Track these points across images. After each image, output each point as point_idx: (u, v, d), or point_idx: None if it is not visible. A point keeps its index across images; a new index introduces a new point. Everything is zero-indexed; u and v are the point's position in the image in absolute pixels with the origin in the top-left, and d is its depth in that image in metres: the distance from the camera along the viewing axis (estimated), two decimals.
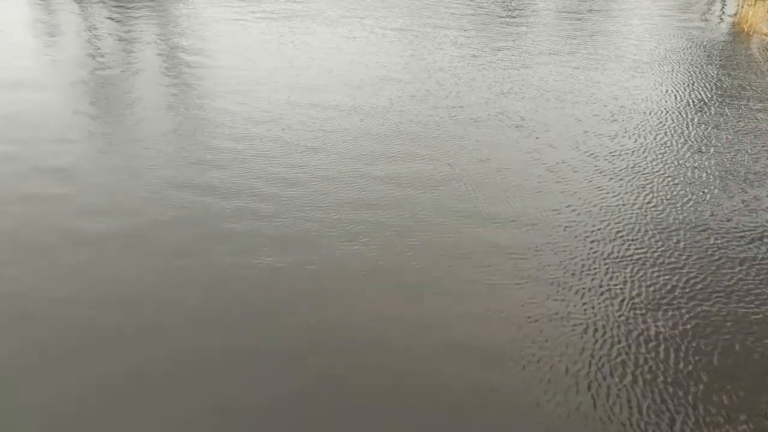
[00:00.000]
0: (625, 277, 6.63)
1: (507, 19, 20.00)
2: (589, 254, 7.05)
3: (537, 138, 10.28)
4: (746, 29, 20.54)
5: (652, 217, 7.85)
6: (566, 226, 7.63)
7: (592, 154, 9.72)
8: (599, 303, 6.23)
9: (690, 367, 5.49)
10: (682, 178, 8.99)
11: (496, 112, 11.43)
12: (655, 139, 10.44)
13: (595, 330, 5.87)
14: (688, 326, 5.94)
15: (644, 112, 11.73)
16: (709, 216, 7.96)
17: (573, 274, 6.70)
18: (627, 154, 9.78)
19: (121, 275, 6.42)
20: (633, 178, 8.91)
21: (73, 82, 12.31)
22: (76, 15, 18.38)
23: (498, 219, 7.75)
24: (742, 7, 21.34)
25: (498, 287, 6.44)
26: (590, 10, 21.97)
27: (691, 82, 13.81)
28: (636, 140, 10.35)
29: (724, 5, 24.29)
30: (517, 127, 10.76)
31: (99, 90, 11.93)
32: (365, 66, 13.94)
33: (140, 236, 7.10)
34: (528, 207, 8.01)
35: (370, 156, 9.33)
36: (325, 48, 15.60)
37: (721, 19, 22.00)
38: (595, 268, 6.78)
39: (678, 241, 7.35)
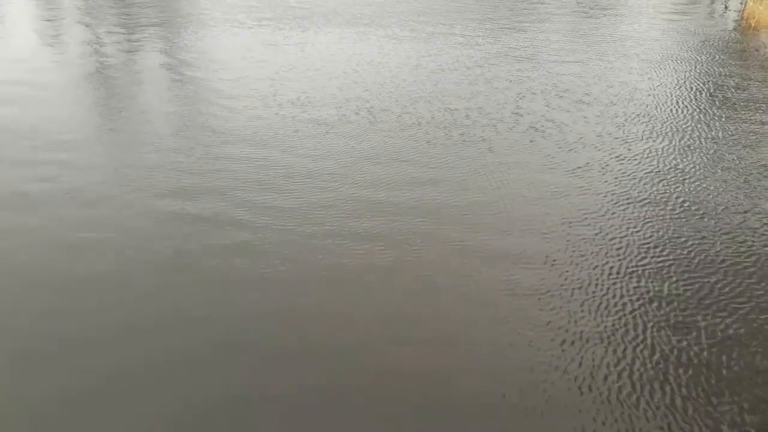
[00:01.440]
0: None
1: (513, 21, 19.64)
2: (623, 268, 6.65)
3: (556, 143, 9.89)
4: (753, 25, 20.23)
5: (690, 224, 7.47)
6: (587, 238, 7.22)
7: (617, 156, 9.33)
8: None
9: (722, 385, 5.08)
10: (709, 181, 8.59)
11: (511, 113, 11.03)
12: (676, 141, 10.05)
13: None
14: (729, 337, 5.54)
15: (659, 114, 11.34)
16: (740, 223, 7.56)
17: (600, 286, 6.29)
18: (651, 156, 9.39)
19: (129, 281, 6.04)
20: (656, 179, 8.52)
21: (74, 92, 11.89)
22: (83, 23, 17.97)
23: (519, 230, 7.33)
24: (748, 2, 21.02)
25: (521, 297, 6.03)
26: (595, 9, 21.63)
27: (704, 81, 13.43)
28: (658, 142, 9.96)
29: (728, 1, 23.99)
30: (536, 130, 10.36)
31: (99, 95, 11.53)
32: (384, 67, 13.55)
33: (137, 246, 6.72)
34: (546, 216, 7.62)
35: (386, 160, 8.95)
36: (339, 57, 15.20)
37: (726, 15, 21.68)
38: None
39: (716, 249, 6.96)
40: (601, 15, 21.15)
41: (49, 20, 18.90)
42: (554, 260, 6.71)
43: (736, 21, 20.80)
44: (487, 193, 8.10)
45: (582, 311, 5.91)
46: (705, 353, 5.44)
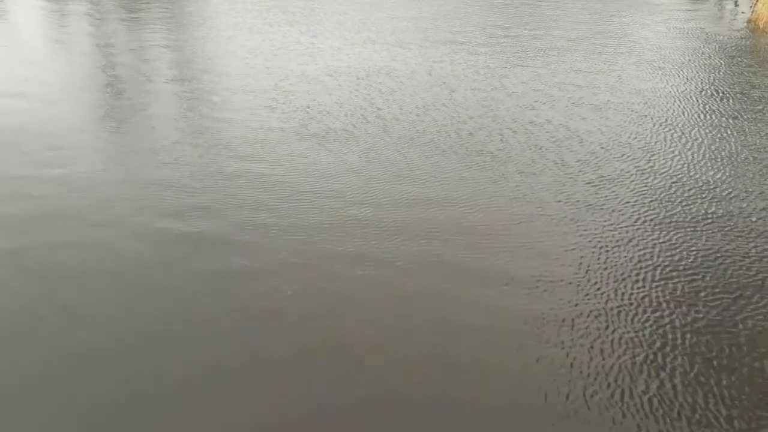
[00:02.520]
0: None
1: (520, 27, 18.92)
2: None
3: (575, 154, 8.98)
4: (762, 26, 19.56)
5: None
6: (607, 254, 6.28)
7: (641, 169, 8.43)
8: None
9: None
10: (733, 196, 7.70)
11: (528, 122, 10.14)
12: (703, 151, 9.19)
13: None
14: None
15: (679, 121, 10.50)
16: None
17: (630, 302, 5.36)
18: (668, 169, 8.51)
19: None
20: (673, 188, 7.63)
21: (79, 92, 10.94)
22: (89, 24, 17.04)
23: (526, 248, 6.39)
24: (756, 3, 20.36)
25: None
26: (602, 9, 20.98)
27: (717, 85, 12.64)
28: (685, 153, 9.09)
29: (737, 3, 23.39)
30: (553, 140, 9.45)
31: (100, 101, 10.57)
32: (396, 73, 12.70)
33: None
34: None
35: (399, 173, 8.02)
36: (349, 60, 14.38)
37: (735, 16, 21.05)
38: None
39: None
40: (609, 19, 20.46)
41: (54, 24, 17.94)
42: (572, 283, 5.79)
43: (745, 23, 20.17)
44: (502, 213, 7.10)
45: (608, 345, 4.97)
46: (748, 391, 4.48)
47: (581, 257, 6.30)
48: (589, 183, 8.03)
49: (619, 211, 7.30)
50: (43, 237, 6.64)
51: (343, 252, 6.33)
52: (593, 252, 6.41)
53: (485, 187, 7.87)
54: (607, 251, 6.43)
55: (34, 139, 9.41)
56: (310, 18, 19.59)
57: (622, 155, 8.93)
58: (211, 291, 5.70)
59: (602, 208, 7.34)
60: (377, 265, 6.10)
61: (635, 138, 9.63)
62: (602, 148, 9.19)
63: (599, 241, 6.61)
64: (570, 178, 8.16)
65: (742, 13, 21.95)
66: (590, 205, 7.43)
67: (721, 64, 14.25)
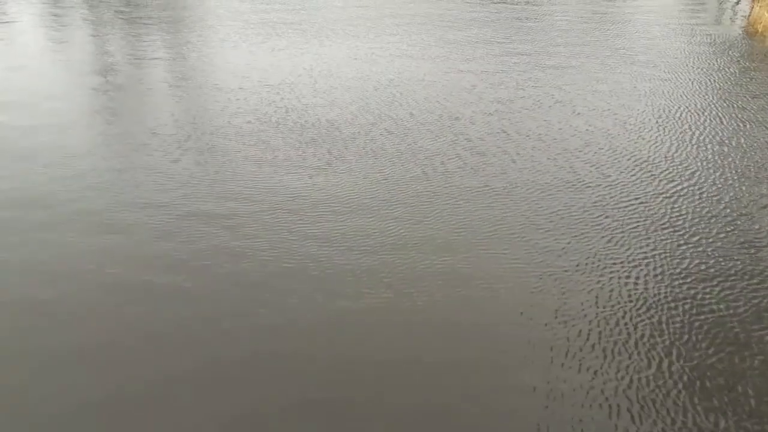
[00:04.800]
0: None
1: (518, 27, 19.31)
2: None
3: (581, 159, 9.48)
4: (760, 30, 19.98)
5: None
6: (622, 275, 6.79)
7: (652, 175, 8.93)
8: None
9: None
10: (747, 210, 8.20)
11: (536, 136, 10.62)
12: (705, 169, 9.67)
13: None
14: None
15: (680, 130, 10.97)
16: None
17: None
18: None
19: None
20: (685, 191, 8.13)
21: (81, 98, 11.38)
22: (88, 31, 17.44)
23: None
24: (755, 8, 20.78)
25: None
26: (601, 14, 21.35)
27: (719, 92, 13.11)
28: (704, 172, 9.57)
29: (735, 6, 23.78)
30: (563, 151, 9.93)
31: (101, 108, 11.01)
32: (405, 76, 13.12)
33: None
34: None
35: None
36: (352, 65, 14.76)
37: (734, 19, 21.45)
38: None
39: None
40: (606, 23, 20.83)
41: (53, 26, 18.33)
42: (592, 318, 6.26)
43: (743, 26, 20.56)
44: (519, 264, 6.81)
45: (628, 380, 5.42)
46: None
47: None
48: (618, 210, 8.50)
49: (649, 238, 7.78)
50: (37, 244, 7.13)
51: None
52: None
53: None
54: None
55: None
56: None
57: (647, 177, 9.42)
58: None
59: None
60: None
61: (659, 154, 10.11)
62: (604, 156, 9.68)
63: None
64: (599, 210, 8.65)
65: (741, 16, 22.34)
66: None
67: (718, 66, 14.71)
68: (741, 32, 19.66)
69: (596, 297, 6.13)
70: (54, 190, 8.12)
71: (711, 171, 8.98)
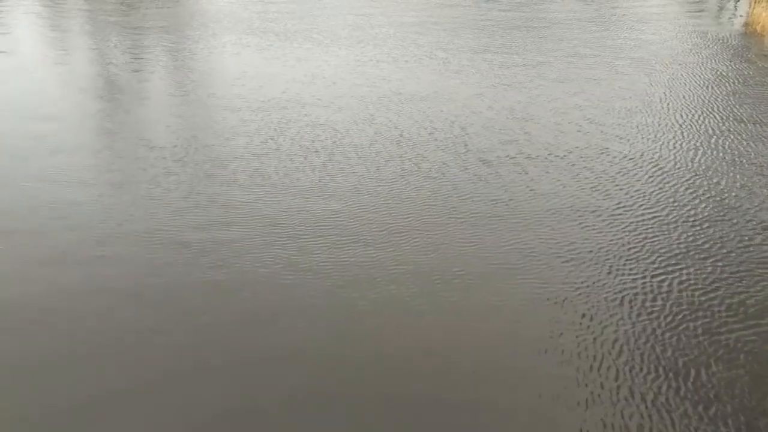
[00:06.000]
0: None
1: (520, 30, 19.37)
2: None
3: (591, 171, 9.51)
4: (759, 30, 20.07)
5: None
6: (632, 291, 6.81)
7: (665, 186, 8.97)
8: None
9: None
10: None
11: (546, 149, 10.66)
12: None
13: None
14: None
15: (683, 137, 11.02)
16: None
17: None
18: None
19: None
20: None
21: (81, 110, 11.35)
22: (87, 38, 17.43)
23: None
24: (754, 7, 20.90)
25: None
26: (601, 16, 21.43)
27: (723, 98, 13.17)
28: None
29: (736, 7, 23.88)
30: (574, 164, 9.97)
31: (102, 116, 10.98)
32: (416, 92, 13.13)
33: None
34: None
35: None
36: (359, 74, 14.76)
37: (733, 20, 21.56)
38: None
39: None
40: (606, 25, 20.89)
41: (53, 33, 18.32)
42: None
43: (742, 26, 20.66)
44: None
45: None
46: None
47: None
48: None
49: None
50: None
51: None
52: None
53: None
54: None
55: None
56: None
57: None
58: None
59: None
60: None
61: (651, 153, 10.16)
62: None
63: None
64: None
65: (740, 16, 22.44)
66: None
67: (716, 68, 14.78)
68: (740, 32, 19.76)
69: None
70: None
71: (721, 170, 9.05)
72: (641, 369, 5.29)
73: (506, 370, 5.31)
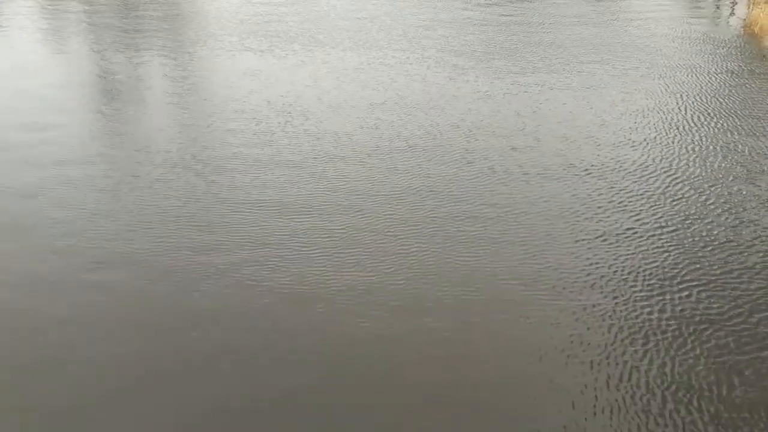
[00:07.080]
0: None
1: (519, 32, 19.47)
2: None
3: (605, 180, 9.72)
4: (757, 31, 20.19)
5: None
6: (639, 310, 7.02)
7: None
8: None
9: None
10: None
11: (559, 159, 10.85)
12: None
13: None
14: None
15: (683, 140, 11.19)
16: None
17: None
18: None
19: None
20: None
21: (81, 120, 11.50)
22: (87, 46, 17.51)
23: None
24: (752, 9, 20.99)
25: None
26: (599, 16, 21.45)
27: (710, 90, 13.33)
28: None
29: (733, 8, 23.96)
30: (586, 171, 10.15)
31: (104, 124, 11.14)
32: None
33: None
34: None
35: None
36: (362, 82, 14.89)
37: (731, 21, 21.64)
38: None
39: None
40: (605, 25, 20.98)
41: (51, 37, 18.41)
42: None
43: (740, 27, 20.75)
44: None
45: None
46: None
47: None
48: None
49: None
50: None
51: None
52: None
53: None
54: None
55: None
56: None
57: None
58: None
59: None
60: None
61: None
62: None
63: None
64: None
65: (738, 18, 22.53)
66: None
67: (716, 69, 14.93)
68: (738, 33, 19.85)
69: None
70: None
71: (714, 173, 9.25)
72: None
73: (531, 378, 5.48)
